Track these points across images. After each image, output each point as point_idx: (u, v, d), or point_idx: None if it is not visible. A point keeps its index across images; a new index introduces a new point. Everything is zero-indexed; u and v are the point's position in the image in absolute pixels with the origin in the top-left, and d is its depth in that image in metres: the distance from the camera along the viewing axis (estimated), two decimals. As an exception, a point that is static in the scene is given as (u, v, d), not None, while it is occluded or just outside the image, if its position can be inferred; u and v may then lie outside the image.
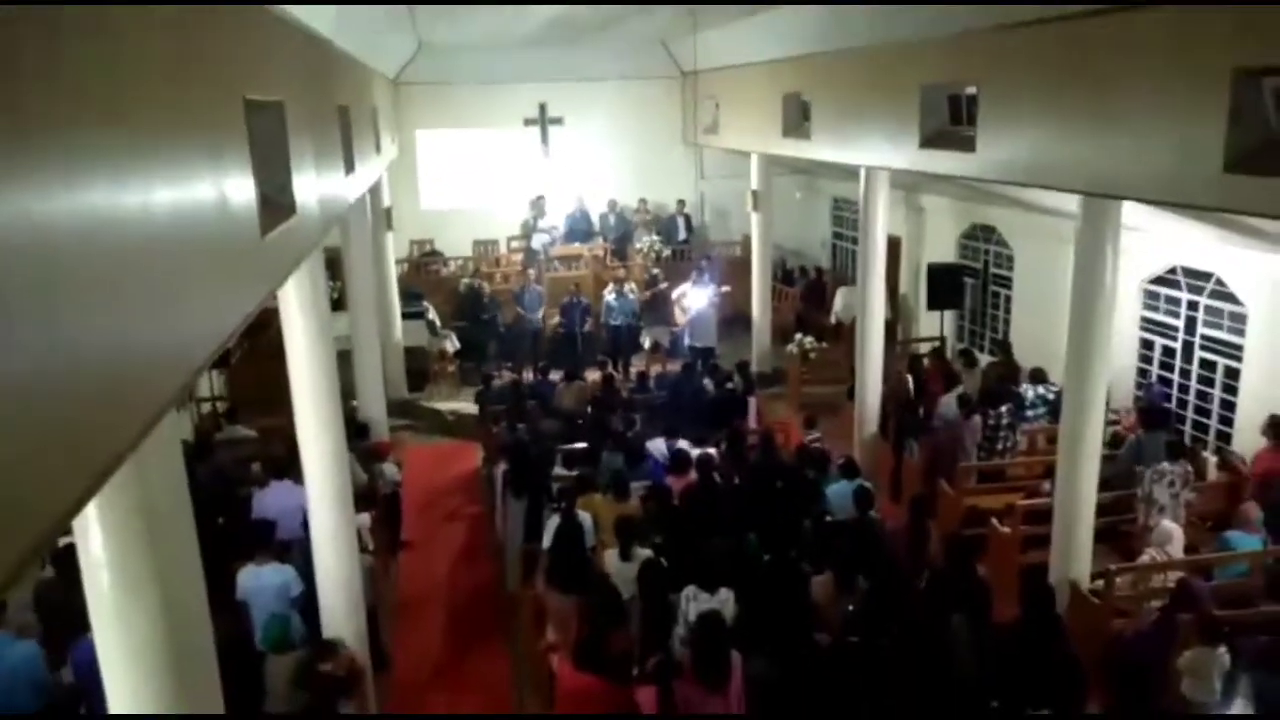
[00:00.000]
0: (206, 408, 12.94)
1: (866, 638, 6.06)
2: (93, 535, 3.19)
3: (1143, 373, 11.50)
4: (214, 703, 3.54)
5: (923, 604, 6.60)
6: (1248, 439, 9.67)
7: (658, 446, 9.69)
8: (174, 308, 2.49)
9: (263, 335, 11.83)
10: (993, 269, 14.52)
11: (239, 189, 3.44)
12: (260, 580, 7.11)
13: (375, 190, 13.71)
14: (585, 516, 7.94)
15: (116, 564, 3.18)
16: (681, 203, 18.97)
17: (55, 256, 1.64)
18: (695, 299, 14.80)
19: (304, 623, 7.12)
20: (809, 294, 17.92)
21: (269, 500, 8.24)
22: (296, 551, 7.56)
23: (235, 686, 5.80)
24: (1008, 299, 14.19)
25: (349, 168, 7.75)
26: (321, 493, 6.79)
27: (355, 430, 10.21)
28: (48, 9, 1.63)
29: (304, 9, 5.60)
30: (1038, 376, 11.43)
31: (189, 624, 3.34)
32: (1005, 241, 14.13)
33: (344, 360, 11.22)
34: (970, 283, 14.80)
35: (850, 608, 6.55)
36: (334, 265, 12.96)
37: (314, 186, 5.47)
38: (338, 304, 12.87)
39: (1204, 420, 10.71)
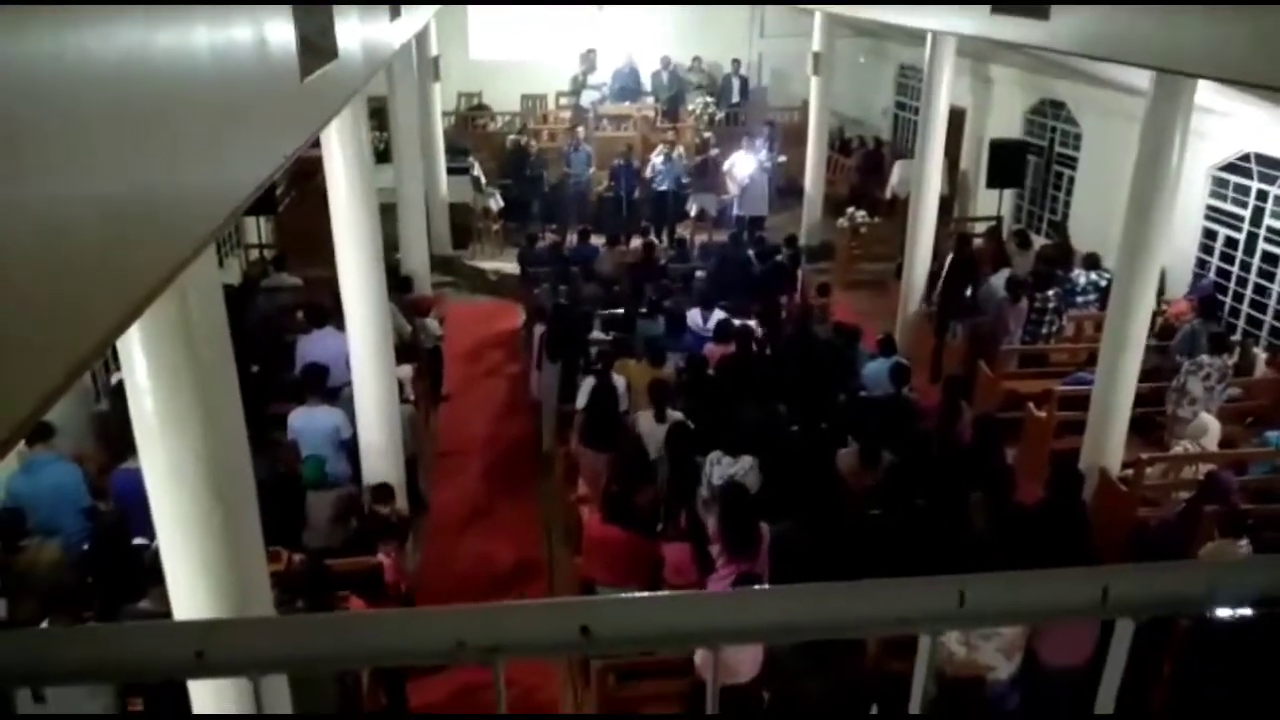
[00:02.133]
0: (254, 255, 13.14)
1: (887, 509, 6.18)
2: (137, 364, 3.33)
3: (1202, 264, 11.16)
4: (252, 525, 3.73)
5: (946, 480, 6.68)
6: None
7: (695, 317, 9.70)
8: (210, 147, 2.50)
9: (309, 183, 11.87)
10: (1058, 148, 13.97)
11: (277, 29, 3.39)
12: (312, 421, 7.38)
13: (423, 38, 13.42)
14: (620, 380, 8.06)
15: (159, 391, 3.32)
16: (736, 63, 18.28)
17: (91, 94, 1.66)
18: (743, 165, 14.49)
19: (350, 465, 7.43)
20: (866, 166, 17.40)
21: (313, 346, 8.44)
22: (345, 397, 7.80)
23: (281, 517, 6.16)
24: (1071, 180, 13.69)
25: (395, 13, 7.58)
26: (363, 341, 6.94)
27: (398, 283, 10.32)
28: None
29: None
30: (1091, 262, 11.16)
31: (229, 449, 3.50)
32: (1074, 119, 13.54)
33: (389, 213, 11.26)
34: (1034, 161, 14.28)
35: (871, 481, 6.66)
36: (380, 115, 12.85)
37: (357, 30, 5.37)
38: (383, 155, 12.83)
39: (1259, 315, 10.44)
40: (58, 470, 6.62)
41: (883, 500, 6.35)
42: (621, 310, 10.02)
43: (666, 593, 1.09)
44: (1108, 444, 8.11)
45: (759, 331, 9.27)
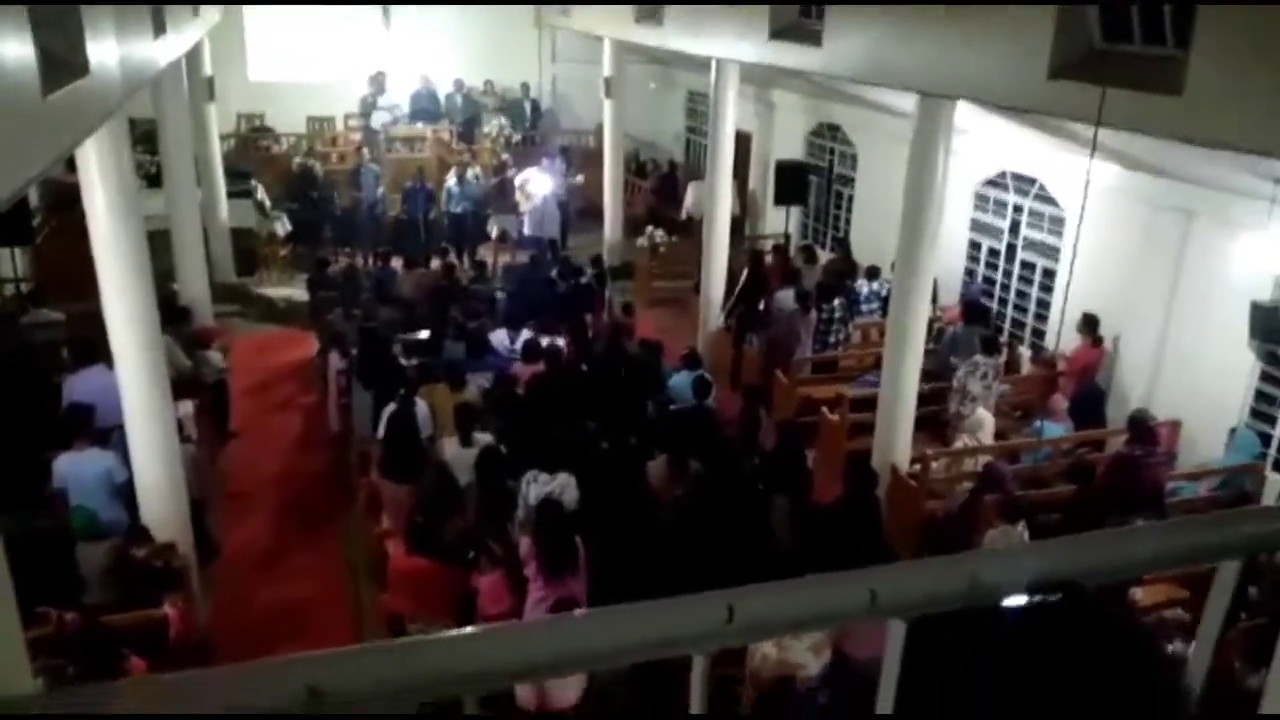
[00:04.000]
0: (10, 290, 11.90)
1: (695, 517, 6.28)
2: None
3: (970, 273, 12.08)
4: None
5: (749, 485, 6.87)
6: (1062, 335, 10.32)
7: (500, 338, 9.58)
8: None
9: (71, 213, 10.88)
10: (837, 168, 14.81)
11: (11, 41, 3.07)
12: (80, 467, 6.73)
13: (195, 57, 12.63)
14: (422, 405, 7.82)
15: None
16: (525, 86, 18.33)
17: None
18: (539, 185, 14.50)
19: (127, 512, 6.82)
20: (661, 188, 17.81)
21: (80, 386, 7.73)
22: (117, 439, 7.17)
23: (51, 575, 5.55)
24: (850, 198, 14.54)
25: (159, 29, 7.10)
26: (134, 378, 6.39)
27: (176, 314, 9.62)
28: None
29: None
30: (872, 273, 11.87)
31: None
32: (849, 141, 14.40)
33: (163, 240, 10.51)
34: (815, 180, 15.07)
35: (679, 491, 6.76)
36: (153, 139, 12.01)
37: (113, 46, 4.98)
38: (157, 179, 11.97)
39: (1021, 318, 11.40)
40: None
41: (691, 509, 6.45)
42: (424, 334, 9.76)
43: (404, 639, 0.98)
44: (895, 442, 8.61)
45: (567, 350, 9.27)
